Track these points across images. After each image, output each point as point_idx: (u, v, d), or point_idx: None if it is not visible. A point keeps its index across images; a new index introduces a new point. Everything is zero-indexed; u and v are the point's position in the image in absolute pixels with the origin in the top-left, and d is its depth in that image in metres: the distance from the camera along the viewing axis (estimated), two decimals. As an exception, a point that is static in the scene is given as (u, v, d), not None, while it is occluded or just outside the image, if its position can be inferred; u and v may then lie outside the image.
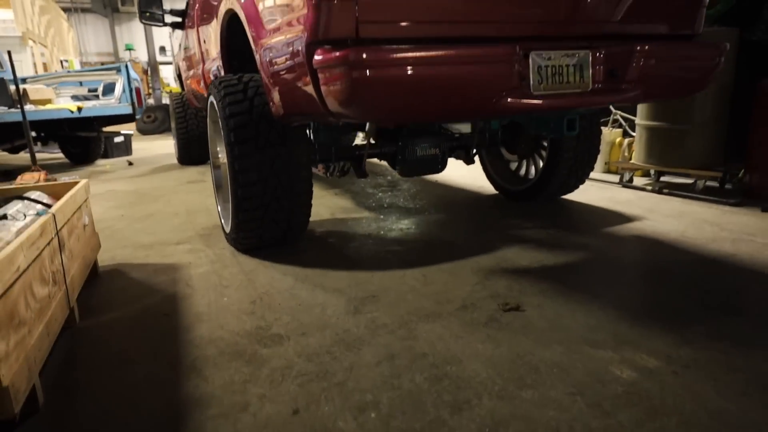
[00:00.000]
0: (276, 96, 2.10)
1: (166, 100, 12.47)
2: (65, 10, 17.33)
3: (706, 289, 1.96)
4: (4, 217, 1.69)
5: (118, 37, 19.57)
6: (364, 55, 1.57)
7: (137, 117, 6.63)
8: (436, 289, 2.03)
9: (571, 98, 1.95)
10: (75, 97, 6.54)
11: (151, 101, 12.73)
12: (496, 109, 1.85)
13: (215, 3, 3.08)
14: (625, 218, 2.94)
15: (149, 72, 12.45)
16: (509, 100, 1.82)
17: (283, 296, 2.03)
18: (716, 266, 2.19)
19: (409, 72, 1.65)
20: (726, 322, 1.68)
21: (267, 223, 2.41)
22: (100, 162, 7.01)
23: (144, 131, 11.18)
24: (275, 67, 2.02)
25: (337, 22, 1.64)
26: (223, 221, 2.78)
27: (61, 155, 7.41)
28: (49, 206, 2.15)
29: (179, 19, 4.91)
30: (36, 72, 9.89)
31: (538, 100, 1.87)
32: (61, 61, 10.51)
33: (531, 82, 1.87)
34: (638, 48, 1.99)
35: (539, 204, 3.37)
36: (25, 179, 4.74)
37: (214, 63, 3.33)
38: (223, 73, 3.05)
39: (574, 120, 2.17)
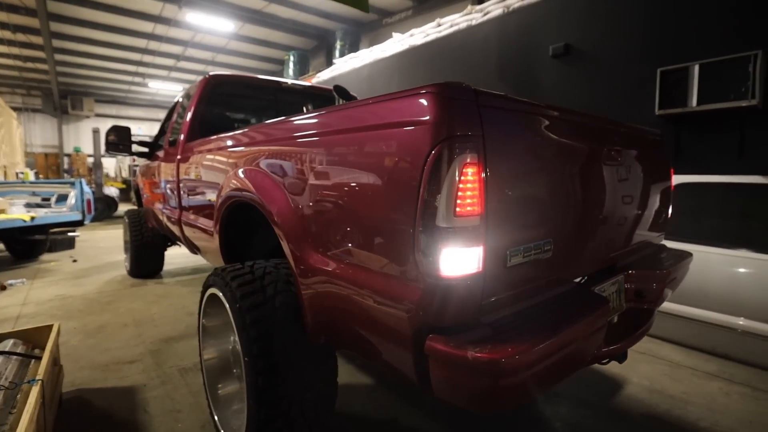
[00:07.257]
0: (312, 319, 1.80)
1: (106, 191, 13.49)
2: (15, 109, 17.80)
3: None
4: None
5: (65, 134, 20.96)
6: (504, 361, 1.27)
7: (86, 222, 7.01)
8: None
9: (623, 342, 1.95)
10: (28, 205, 6.79)
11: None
12: (589, 363, 1.76)
13: (214, 173, 2.78)
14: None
15: (93, 168, 13.80)
16: (600, 350, 1.79)
17: None
18: None
19: (545, 365, 1.39)
20: None
21: None
22: (45, 257, 7.13)
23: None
24: (337, 303, 1.68)
25: (456, 309, 1.36)
26: None
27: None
28: (24, 356, 2.41)
29: (146, 150, 5.00)
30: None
31: (616, 345, 1.88)
32: (17, 173, 10.91)
33: None
34: (658, 272, 2.15)
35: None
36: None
37: (198, 222, 3.15)
38: (218, 245, 2.68)
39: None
